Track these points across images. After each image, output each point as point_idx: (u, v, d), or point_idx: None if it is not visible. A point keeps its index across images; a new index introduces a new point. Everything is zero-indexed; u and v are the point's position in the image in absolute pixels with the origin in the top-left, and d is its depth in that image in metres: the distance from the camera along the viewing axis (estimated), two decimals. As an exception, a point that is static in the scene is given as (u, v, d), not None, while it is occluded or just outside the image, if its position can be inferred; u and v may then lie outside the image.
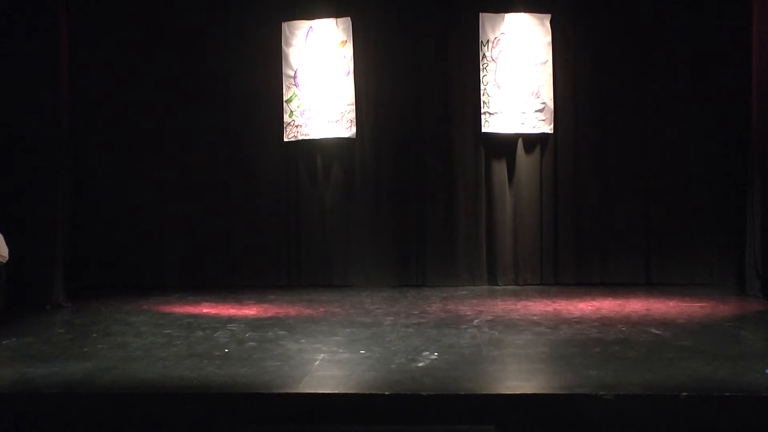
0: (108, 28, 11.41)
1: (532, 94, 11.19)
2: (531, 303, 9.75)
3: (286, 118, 11.43)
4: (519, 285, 11.32)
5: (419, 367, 6.28)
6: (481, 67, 11.22)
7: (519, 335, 7.65)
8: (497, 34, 11.21)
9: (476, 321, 8.45)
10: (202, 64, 11.45)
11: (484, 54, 11.23)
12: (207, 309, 9.54)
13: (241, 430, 5.28)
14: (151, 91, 11.49)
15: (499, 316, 8.80)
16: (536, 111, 11.20)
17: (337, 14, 11.35)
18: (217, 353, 6.92)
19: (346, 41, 11.32)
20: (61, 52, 10.16)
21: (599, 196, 11.31)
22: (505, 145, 11.36)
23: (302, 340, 7.49)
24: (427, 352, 6.80)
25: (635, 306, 9.33)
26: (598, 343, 7.16)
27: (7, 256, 8.35)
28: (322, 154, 11.54)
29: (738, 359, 6.42)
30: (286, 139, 11.45)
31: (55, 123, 10.01)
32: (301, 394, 5.61)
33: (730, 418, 5.27)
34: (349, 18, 11.32)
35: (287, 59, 11.43)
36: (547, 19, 11.19)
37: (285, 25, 11.44)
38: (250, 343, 7.36)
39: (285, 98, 11.43)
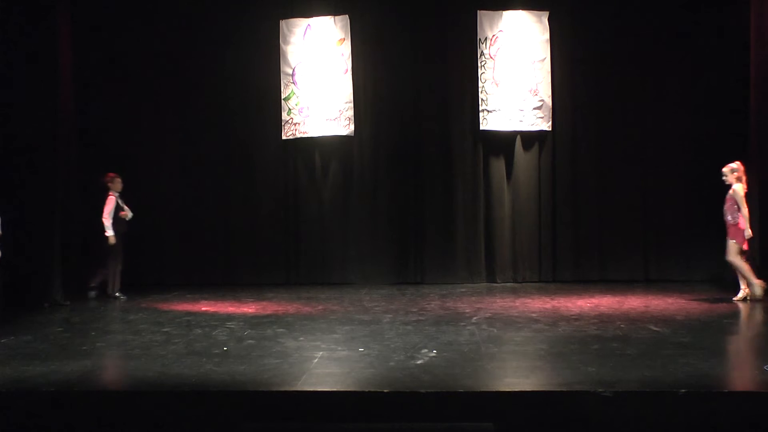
0: (107, 27, 11.40)
1: (531, 91, 11.20)
2: (529, 300, 9.75)
3: (285, 116, 11.43)
4: (518, 282, 11.33)
5: (418, 364, 6.28)
6: (479, 64, 11.22)
7: (517, 332, 7.66)
8: (495, 31, 11.22)
9: (475, 318, 8.45)
10: (201, 63, 11.47)
11: (482, 51, 11.23)
12: (206, 307, 9.54)
13: (240, 428, 5.27)
14: (150, 89, 11.50)
15: (497, 313, 8.80)
16: (534, 108, 11.20)
17: (335, 12, 11.36)
18: (216, 351, 6.92)
19: (344, 39, 11.32)
20: (61, 51, 10.15)
21: (597, 193, 11.32)
22: (503, 142, 11.37)
23: (301, 338, 7.49)
24: (426, 350, 6.80)
25: (634, 303, 9.34)
26: (596, 340, 7.16)
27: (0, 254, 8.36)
28: (321, 152, 11.55)
29: (736, 356, 6.42)
30: (284, 137, 11.46)
31: (54, 122, 10.00)
32: (299, 391, 5.61)
33: (729, 415, 5.27)
34: (347, 16, 11.32)
35: (285, 57, 11.43)
36: (545, 16, 11.20)
37: (283, 23, 11.44)
38: (249, 341, 7.36)
39: (283, 96, 11.43)
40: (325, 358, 6.57)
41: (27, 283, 9.68)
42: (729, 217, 9.27)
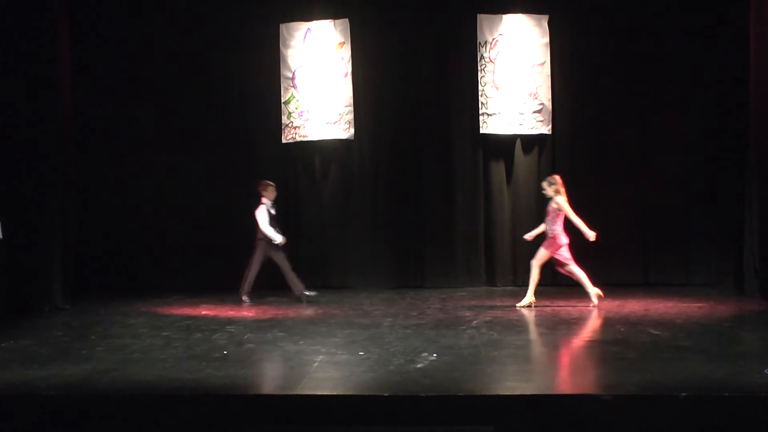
0: (108, 29, 11.42)
1: (530, 94, 11.20)
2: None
3: (285, 119, 11.43)
4: (517, 286, 11.29)
5: (418, 368, 6.27)
6: (479, 68, 11.22)
7: (517, 336, 7.66)
8: (495, 35, 11.22)
9: (475, 322, 8.45)
10: (201, 66, 11.45)
11: (482, 55, 11.23)
12: (206, 311, 9.54)
13: (239, 432, 5.28)
14: (150, 92, 11.50)
15: (497, 317, 8.80)
16: (534, 112, 11.20)
17: (335, 16, 11.35)
18: (216, 355, 6.92)
19: (344, 43, 11.32)
20: (61, 52, 10.16)
21: (597, 196, 11.29)
22: (503, 146, 11.37)
23: (301, 342, 7.48)
24: (426, 353, 6.79)
25: (634, 306, 9.34)
26: (596, 344, 7.16)
27: None
28: (321, 155, 11.55)
29: (736, 359, 6.42)
30: (284, 141, 11.45)
31: (55, 125, 10.00)
32: (299, 395, 5.61)
33: (729, 419, 5.27)
34: (347, 19, 11.32)
35: (285, 61, 11.43)
36: (544, 20, 11.20)
37: (283, 27, 11.44)
38: (249, 345, 7.36)
39: (283, 100, 11.43)
40: (325, 362, 6.57)
41: (27, 286, 9.66)
42: (548, 229, 9.32)
